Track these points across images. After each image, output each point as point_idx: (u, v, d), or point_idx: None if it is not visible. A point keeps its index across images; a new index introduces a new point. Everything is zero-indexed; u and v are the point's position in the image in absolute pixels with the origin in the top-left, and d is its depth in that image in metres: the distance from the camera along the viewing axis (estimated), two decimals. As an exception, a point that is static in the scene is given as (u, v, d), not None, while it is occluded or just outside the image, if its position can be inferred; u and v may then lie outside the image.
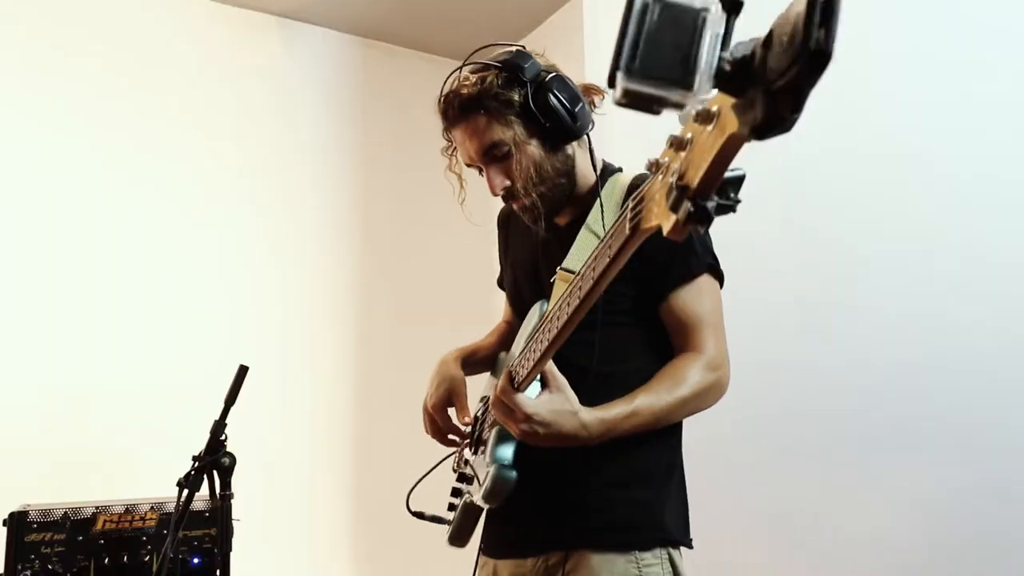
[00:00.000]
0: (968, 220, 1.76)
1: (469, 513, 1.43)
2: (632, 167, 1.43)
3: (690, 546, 1.34)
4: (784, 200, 2.13)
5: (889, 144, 1.92)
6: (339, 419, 3.48)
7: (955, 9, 1.83)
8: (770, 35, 0.51)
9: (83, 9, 3.17)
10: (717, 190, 0.60)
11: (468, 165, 1.42)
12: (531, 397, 1.19)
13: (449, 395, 1.49)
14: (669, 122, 0.64)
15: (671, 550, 1.29)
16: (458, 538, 1.47)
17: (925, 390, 1.81)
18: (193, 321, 3.19)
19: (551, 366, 1.19)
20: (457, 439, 1.52)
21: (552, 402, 1.18)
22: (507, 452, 1.30)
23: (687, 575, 1.30)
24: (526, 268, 1.49)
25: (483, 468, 1.34)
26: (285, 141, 3.54)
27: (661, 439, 1.34)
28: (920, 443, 1.81)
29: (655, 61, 0.55)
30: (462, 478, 1.47)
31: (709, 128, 0.57)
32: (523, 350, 1.20)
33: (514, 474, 1.27)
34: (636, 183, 1.35)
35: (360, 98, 3.76)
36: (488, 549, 1.46)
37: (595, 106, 1.42)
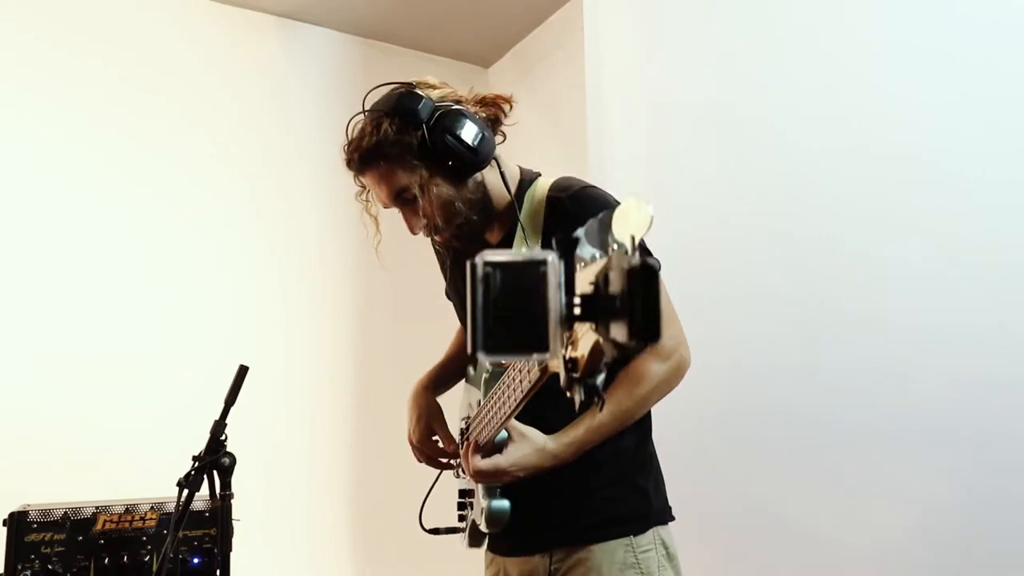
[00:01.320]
0: (967, 220, 1.76)
1: (476, 533, 1.52)
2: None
3: (673, 517, 1.44)
4: (780, 200, 2.13)
5: (891, 144, 1.92)
6: (339, 419, 3.48)
7: (956, 8, 1.83)
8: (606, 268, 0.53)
9: (82, 9, 3.17)
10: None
11: (385, 207, 1.47)
12: (502, 440, 1.30)
13: (430, 427, 1.58)
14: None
15: (660, 529, 1.39)
16: (473, 542, 1.56)
17: (925, 391, 1.80)
18: (193, 321, 3.19)
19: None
20: (449, 460, 1.60)
21: (520, 449, 1.29)
22: (495, 490, 1.40)
23: (674, 546, 1.40)
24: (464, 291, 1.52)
25: (478, 498, 1.43)
26: (285, 141, 3.54)
27: (642, 430, 1.44)
28: (919, 444, 1.81)
29: (508, 333, 0.56)
30: (463, 493, 1.55)
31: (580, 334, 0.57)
32: (478, 414, 1.31)
33: (507, 504, 1.38)
34: (550, 194, 1.38)
35: (360, 98, 3.75)
36: (496, 548, 1.53)
37: (505, 115, 1.43)
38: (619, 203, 0.54)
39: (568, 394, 0.60)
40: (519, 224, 1.37)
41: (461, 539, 1.59)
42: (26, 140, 3.01)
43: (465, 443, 1.36)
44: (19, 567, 1.81)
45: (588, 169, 2.54)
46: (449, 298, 1.74)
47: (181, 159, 3.27)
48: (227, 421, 1.60)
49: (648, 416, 1.45)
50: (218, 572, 1.60)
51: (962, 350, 1.75)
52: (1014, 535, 1.64)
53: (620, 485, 1.40)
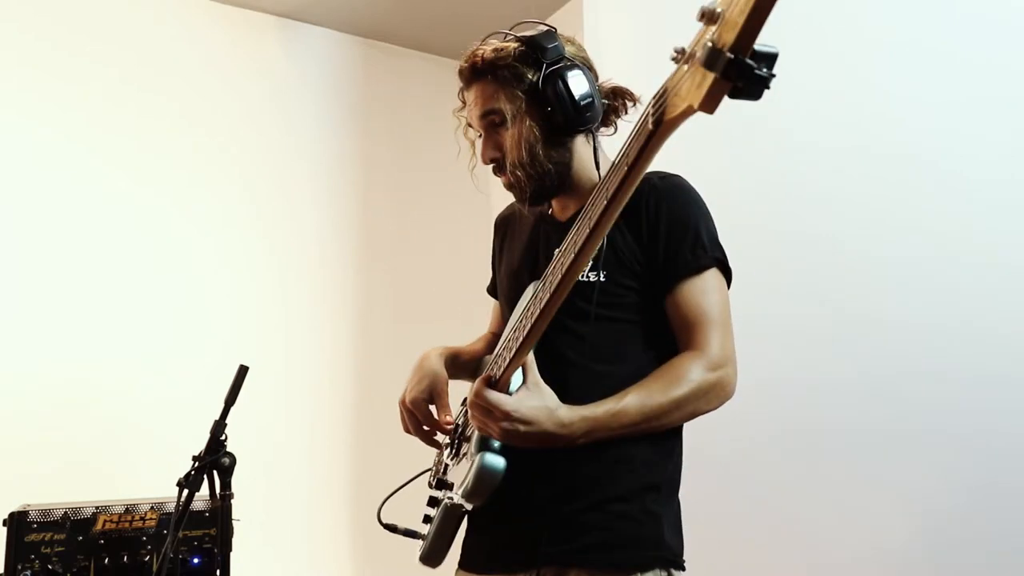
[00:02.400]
0: (968, 221, 1.76)
1: (448, 521, 1.34)
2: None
3: (684, 568, 1.26)
4: (781, 200, 2.13)
5: (892, 144, 1.92)
6: (339, 419, 3.48)
7: (959, 7, 1.83)
8: None
9: (82, 9, 3.17)
10: (752, 57, 0.61)
11: (469, 127, 1.42)
12: (511, 393, 1.14)
13: (430, 392, 1.41)
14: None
15: (671, 571, 1.22)
16: (431, 556, 1.38)
17: (925, 392, 1.80)
18: (193, 321, 3.19)
19: (531, 359, 1.15)
20: (438, 439, 1.43)
21: (530, 399, 1.13)
22: (494, 444, 1.22)
23: None
24: (525, 264, 1.43)
25: (462, 469, 1.27)
26: (285, 141, 3.54)
27: (663, 450, 1.28)
28: (918, 446, 1.81)
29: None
30: (440, 485, 1.39)
31: None
32: (505, 339, 1.17)
33: (502, 462, 1.20)
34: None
35: (360, 98, 3.76)
36: (470, 563, 1.36)
37: (624, 111, 1.40)
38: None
39: (706, 77, 0.60)
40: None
41: (418, 548, 1.42)
42: (26, 140, 3.01)
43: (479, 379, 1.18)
44: (19, 567, 1.81)
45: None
46: (492, 294, 1.63)
47: (181, 159, 3.27)
48: (227, 421, 1.60)
49: (678, 440, 1.31)
50: (218, 572, 1.60)
51: (962, 351, 1.75)
52: (1015, 536, 1.64)
53: (627, 503, 1.22)
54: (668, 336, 1.27)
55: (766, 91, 0.63)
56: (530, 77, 1.29)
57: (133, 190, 3.17)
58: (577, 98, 1.28)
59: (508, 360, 1.12)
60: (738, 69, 0.61)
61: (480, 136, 1.39)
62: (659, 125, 0.75)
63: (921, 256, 1.84)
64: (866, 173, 1.95)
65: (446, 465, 1.43)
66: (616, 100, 1.40)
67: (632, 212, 1.25)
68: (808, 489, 2.03)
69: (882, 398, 1.88)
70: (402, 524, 1.43)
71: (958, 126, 1.79)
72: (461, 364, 1.52)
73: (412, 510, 1.46)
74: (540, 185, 1.33)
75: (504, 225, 1.58)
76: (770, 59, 0.62)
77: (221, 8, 3.46)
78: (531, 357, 1.15)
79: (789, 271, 2.12)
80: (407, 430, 1.43)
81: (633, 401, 1.17)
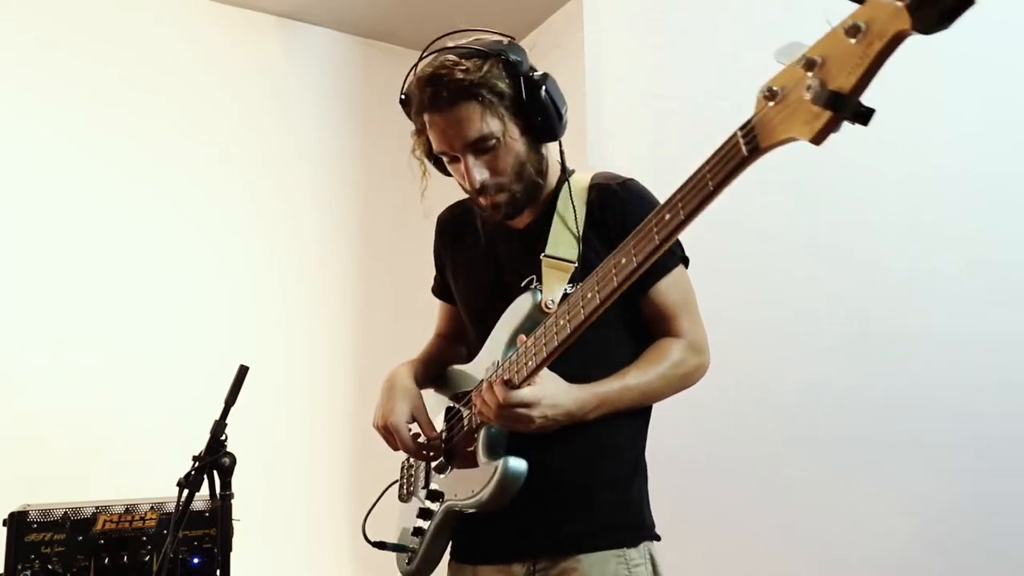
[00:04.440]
0: (969, 222, 1.76)
1: (444, 530, 1.38)
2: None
3: (659, 538, 1.35)
4: (782, 200, 2.13)
5: (893, 144, 1.91)
6: (339, 419, 3.48)
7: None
8: None
9: (82, 10, 3.17)
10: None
11: (441, 154, 1.35)
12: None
13: (410, 412, 1.45)
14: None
15: (650, 544, 1.32)
16: (421, 569, 1.42)
17: (925, 395, 1.80)
18: (193, 321, 3.19)
19: None
20: (423, 455, 1.46)
21: (547, 384, 1.20)
22: (503, 448, 1.28)
23: (662, 566, 1.32)
24: (485, 273, 1.45)
25: (469, 477, 1.30)
26: (285, 141, 3.54)
27: (636, 433, 1.37)
28: (918, 449, 1.81)
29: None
30: (432, 496, 1.40)
31: (852, 41, 0.71)
32: (515, 346, 1.21)
33: (525, 464, 1.24)
34: (595, 182, 1.38)
35: (360, 98, 3.76)
36: (465, 555, 1.41)
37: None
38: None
39: (822, 116, 0.72)
40: (568, 189, 1.34)
41: (403, 562, 1.45)
42: (26, 140, 3.01)
43: (486, 382, 1.22)
44: (19, 567, 1.81)
45: (587, 169, 2.54)
46: (438, 296, 1.66)
47: (181, 159, 3.27)
48: (227, 421, 1.60)
49: (647, 422, 1.39)
50: (218, 572, 1.59)
51: (963, 355, 1.75)
52: (1015, 537, 1.64)
53: (616, 490, 1.31)
54: (642, 332, 1.35)
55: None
56: (508, 91, 1.28)
57: (133, 190, 3.17)
58: (560, 108, 1.32)
59: (535, 365, 1.17)
60: (861, 109, 0.73)
61: (451, 161, 1.34)
62: (754, 152, 0.84)
63: (921, 261, 1.84)
64: (867, 172, 1.95)
65: (429, 476, 1.45)
66: None
67: (599, 223, 1.32)
68: (809, 491, 2.03)
69: (883, 401, 1.88)
70: (373, 537, 1.47)
71: (959, 126, 1.79)
72: (427, 375, 1.55)
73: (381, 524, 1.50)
74: (530, 198, 1.36)
75: (447, 228, 1.59)
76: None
77: (221, 8, 3.46)
78: None
79: (788, 272, 2.12)
80: (394, 448, 1.48)
81: (633, 379, 1.27)
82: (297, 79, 3.63)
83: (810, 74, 0.75)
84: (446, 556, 1.46)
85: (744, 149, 0.85)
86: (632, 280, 1.04)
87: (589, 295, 1.09)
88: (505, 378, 1.20)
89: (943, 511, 1.76)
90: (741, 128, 0.85)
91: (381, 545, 1.46)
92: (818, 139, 0.76)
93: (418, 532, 1.43)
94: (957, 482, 1.74)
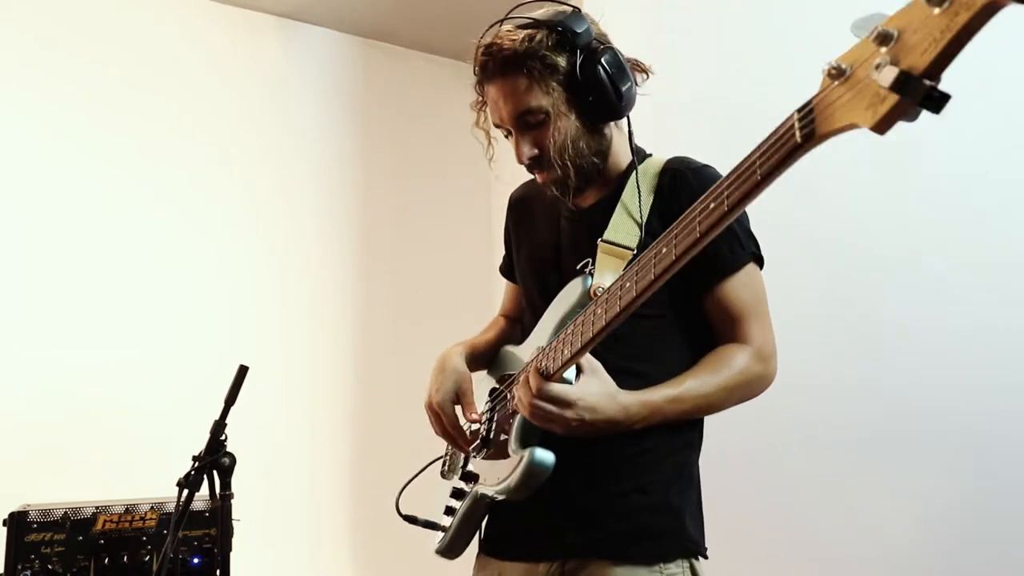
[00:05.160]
0: (969, 222, 1.76)
1: (476, 512, 1.34)
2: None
3: (707, 556, 1.27)
4: (784, 199, 2.13)
5: (896, 144, 1.91)
6: (339, 419, 3.48)
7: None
8: None
9: (82, 10, 3.17)
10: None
11: (497, 126, 1.31)
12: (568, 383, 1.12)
13: (456, 392, 1.38)
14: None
15: (692, 560, 1.23)
16: (451, 548, 1.37)
17: (926, 394, 1.80)
18: (193, 321, 3.19)
19: None
20: (462, 445, 1.40)
21: (593, 384, 1.12)
22: (535, 439, 1.21)
23: None
24: (546, 252, 1.39)
25: (501, 463, 1.25)
26: (285, 141, 3.54)
27: (683, 441, 1.28)
28: (921, 447, 1.81)
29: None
30: (467, 477, 1.37)
31: (936, 11, 0.62)
32: (560, 334, 1.14)
33: (552, 457, 1.16)
34: (669, 166, 1.30)
35: (360, 98, 3.76)
36: (493, 549, 1.36)
37: (637, 85, 1.31)
38: None
39: (888, 99, 0.62)
40: (635, 175, 1.25)
41: (437, 541, 1.40)
42: (26, 140, 3.01)
43: (523, 372, 1.15)
44: (19, 567, 1.81)
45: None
46: (505, 275, 1.59)
47: (181, 159, 3.27)
48: (227, 421, 1.60)
49: (699, 433, 1.31)
50: (218, 572, 1.59)
51: (968, 354, 1.75)
52: (1019, 537, 1.64)
53: (652, 494, 1.22)
54: (700, 331, 1.26)
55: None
56: (563, 65, 1.22)
57: (133, 190, 3.17)
58: (620, 86, 1.23)
59: (570, 355, 1.09)
60: (934, 93, 0.64)
61: (508, 134, 1.30)
62: (809, 139, 0.75)
63: (921, 257, 1.84)
64: (869, 171, 1.95)
65: (468, 457, 1.41)
66: (635, 71, 1.33)
67: (665, 210, 1.23)
68: (815, 489, 2.03)
69: (888, 400, 1.88)
70: (399, 513, 1.43)
71: (958, 126, 1.79)
72: (478, 357, 1.48)
73: (418, 501, 1.47)
74: (586, 178, 1.29)
75: (519, 205, 1.53)
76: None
77: (221, 8, 3.46)
78: None
79: (792, 271, 2.11)
80: (435, 431, 1.42)
81: (690, 388, 1.18)
82: (297, 79, 3.63)
83: (883, 49, 0.65)
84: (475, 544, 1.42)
85: (799, 135, 0.75)
86: (671, 272, 0.94)
87: (627, 284, 1.01)
88: (542, 367, 1.13)
89: (945, 511, 1.76)
90: (799, 110, 0.75)
91: (412, 519, 1.41)
92: (881, 127, 0.66)
93: (450, 512, 1.38)
94: (960, 482, 1.74)
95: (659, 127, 2.51)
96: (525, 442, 1.22)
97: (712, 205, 0.87)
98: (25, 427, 2.80)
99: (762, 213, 2.15)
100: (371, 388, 3.52)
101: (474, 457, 1.38)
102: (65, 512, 1.88)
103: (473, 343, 1.51)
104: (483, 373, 1.50)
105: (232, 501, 1.57)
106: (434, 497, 1.47)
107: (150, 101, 3.24)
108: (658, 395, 1.16)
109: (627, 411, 1.14)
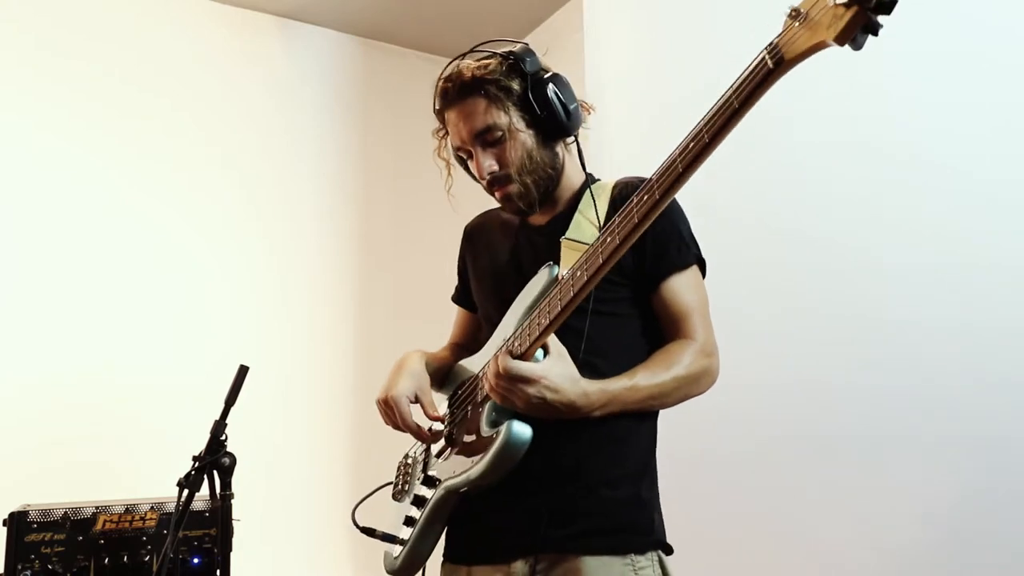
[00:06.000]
0: (971, 221, 1.76)
1: (441, 514, 1.33)
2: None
3: (672, 550, 1.30)
4: (782, 200, 2.14)
5: (892, 143, 1.92)
6: (339, 419, 3.48)
7: (961, 8, 1.82)
8: None
9: (82, 11, 3.17)
10: None
11: (457, 150, 1.43)
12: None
13: (415, 390, 1.41)
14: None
15: (661, 553, 1.27)
16: (411, 561, 1.36)
17: (928, 395, 1.80)
18: (193, 321, 3.19)
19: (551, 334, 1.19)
20: (423, 434, 1.41)
21: (558, 365, 1.18)
22: (508, 418, 1.21)
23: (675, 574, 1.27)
24: (506, 272, 1.45)
25: (467, 459, 1.26)
26: (285, 141, 3.54)
27: (645, 436, 1.35)
28: (921, 448, 1.81)
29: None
30: (428, 482, 1.37)
31: None
32: (528, 317, 1.22)
33: (529, 431, 1.18)
34: (620, 182, 1.40)
35: (360, 98, 3.76)
36: (458, 555, 1.37)
37: (586, 116, 1.44)
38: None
39: (847, 13, 0.78)
40: (589, 190, 1.36)
41: (391, 555, 1.40)
42: (26, 141, 3.01)
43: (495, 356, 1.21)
44: (19, 567, 1.81)
45: (588, 169, 2.54)
46: (458, 303, 1.66)
47: (181, 159, 3.28)
48: (227, 421, 1.60)
49: (655, 427, 1.36)
50: (218, 572, 1.60)
51: (966, 354, 1.75)
52: (1018, 539, 1.64)
53: (622, 488, 1.27)
54: (657, 330, 1.34)
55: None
56: (516, 88, 1.34)
57: (132, 190, 3.17)
58: (568, 104, 1.35)
59: (536, 336, 1.17)
60: (877, 2, 0.78)
61: (469, 157, 1.40)
62: (780, 64, 0.89)
63: (923, 257, 1.84)
64: (868, 171, 1.95)
65: (428, 462, 1.43)
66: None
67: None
68: (812, 491, 2.02)
69: (886, 401, 1.88)
70: (356, 525, 1.43)
71: (958, 126, 1.79)
72: (436, 368, 1.52)
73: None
74: (544, 190, 1.39)
75: (475, 235, 1.62)
76: None
77: (221, 8, 3.47)
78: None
79: (788, 271, 2.12)
80: (388, 422, 1.44)
81: (643, 378, 1.24)
82: (297, 79, 3.63)
83: None
84: (437, 557, 1.41)
85: (770, 63, 0.89)
86: (638, 234, 1.06)
87: (587, 261, 1.12)
88: (512, 348, 1.20)
89: (947, 510, 1.76)
90: (767, 47, 0.89)
91: (371, 532, 1.41)
92: (842, 38, 0.80)
93: (410, 522, 1.38)
94: (961, 481, 1.74)
95: (660, 126, 2.52)
96: (497, 424, 1.24)
97: (692, 144, 0.99)
98: (25, 427, 2.80)
99: (762, 214, 2.16)
100: (371, 388, 3.49)
101: (436, 458, 1.41)
102: (65, 512, 1.88)
103: (432, 355, 1.57)
104: (437, 395, 1.52)
105: (232, 501, 1.57)
106: (385, 519, 1.46)
107: (150, 101, 3.24)
108: (616, 384, 1.23)
109: (587, 396, 1.19)
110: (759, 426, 2.13)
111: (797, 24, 0.86)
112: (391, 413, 1.42)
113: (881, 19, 0.79)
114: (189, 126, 3.31)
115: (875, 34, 0.80)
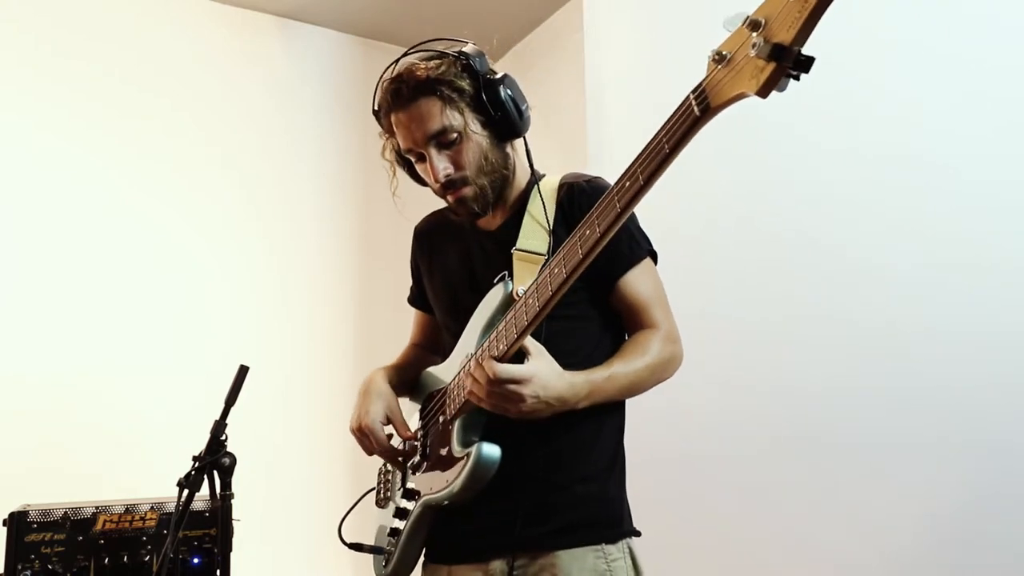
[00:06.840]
0: (969, 223, 1.76)
1: (421, 527, 1.38)
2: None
3: (639, 533, 1.36)
4: (781, 200, 2.13)
5: (895, 145, 1.92)
6: (339, 419, 3.45)
7: (962, 8, 1.82)
8: None
9: (82, 11, 3.17)
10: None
11: (407, 151, 1.40)
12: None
13: (386, 414, 1.46)
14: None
15: (629, 541, 1.32)
16: (401, 568, 1.41)
17: (927, 396, 1.80)
18: (193, 321, 3.19)
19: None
20: (399, 458, 1.46)
21: (543, 363, 1.20)
22: (477, 437, 1.28)
23: (641, 562, 1.33)
24: (460, 277, 1.47)
25: (442, 473, 1.30)
26: (285, 141, 3.54)
27: (613, 430, 1.38)
28: (921, 450, 1.81)
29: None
30: (408, 495, 1.40)
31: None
32: (491, 334, 1.23)
33: (498, 452, 1.24)
34: (564, 181, 1.41)
35: (360, 98, 3.76)
36: (441, 555, 1.41)
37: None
38: None
39: (767, 68, 0.80)
40: (537, 188, 1.37)
41: (380, 564, 1.44)
42: (25, 141, 3.01)
43: (474, 361, 1.23)
44: (19, 567, 1.81)
45: (588, 169, 2.54)
46: (413, 304, 1.69)
47: (181, 159, 3.28)
48: (227, 421, 1.60)
49: (623, 416, 1.40)
50: (218, 572, 1.60)
51: (965, 355, 1.75)
52: (1017, 539, 1.64)
53: (593, 483, 1.32)
54: (618, 326, 1.38)
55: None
56: (469, 89, 1.34)
57: (133, 191, 3.17)
58: (520, 105, 1.36)
59: (513, 339, 1.18)
60: (802, 59, 0.81)
61: (419, 159, 1.39)
62: (706, 112, 0.90)
63: (920, 259, 1.84)
64: (868, 173, 1.95)
65: (406, 475, 1.46)
66: None
67: (568, 219, 1.34)
68: (815, 493, 2.02)
69: (887, 403, 1.88)
70: (343, 541, 1.46)
71: (958, 127, 1.79)
72: (402, 380, 1.56)
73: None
74: (499, 191, 1.40)
75: (425, 236, 1.63)
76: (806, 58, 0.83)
77: (221, 8, 3.47)
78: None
79: (786, 272, 2.12)
80: (369, 452, 1.50)
81: (619, 368, 1.28)
82: (297, 79, 3.63)
83: (755, 34, 0.82)
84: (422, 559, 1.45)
85: (696, 110, 0.91)
86: (597, 251, 1.06)
87: (556, 270, 1.12)
88: (493, 353, 1.21)
89: (948, 512, 1.76)
90: (693, 91, 0.92)
91: (358, 547, 1.46)
92: (764, 91, 0.82)
93: (394, 533, 1.42)
94: (962, 483, 1.74)
95: (652, 129, 2.51)
96: (467, 443, 1.28)
97: (628, 184, 1.02)
98: (25, 427, 2.80)
99: (762, 215, 2.16)
100: (371, 388, 3.52)
101: (412, 474, 1.43)
102: (65, 512, 1.88)
103: (394, 366, 1.59)
104: (405, 400, 1.55)
105: (232, 501, 1.57)
106: (372, 527, 1.50)
107: (150, 101, 3.24)
108: (596, 375, 1.25)
109: (574, 387, 1.22)
110: (761, 428, 2.13)
111: (721, 67, 0.88)
112: (367, 441, 1.47)
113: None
114: (189, 126, 3.31)
115: (797, 79, 0.82)
